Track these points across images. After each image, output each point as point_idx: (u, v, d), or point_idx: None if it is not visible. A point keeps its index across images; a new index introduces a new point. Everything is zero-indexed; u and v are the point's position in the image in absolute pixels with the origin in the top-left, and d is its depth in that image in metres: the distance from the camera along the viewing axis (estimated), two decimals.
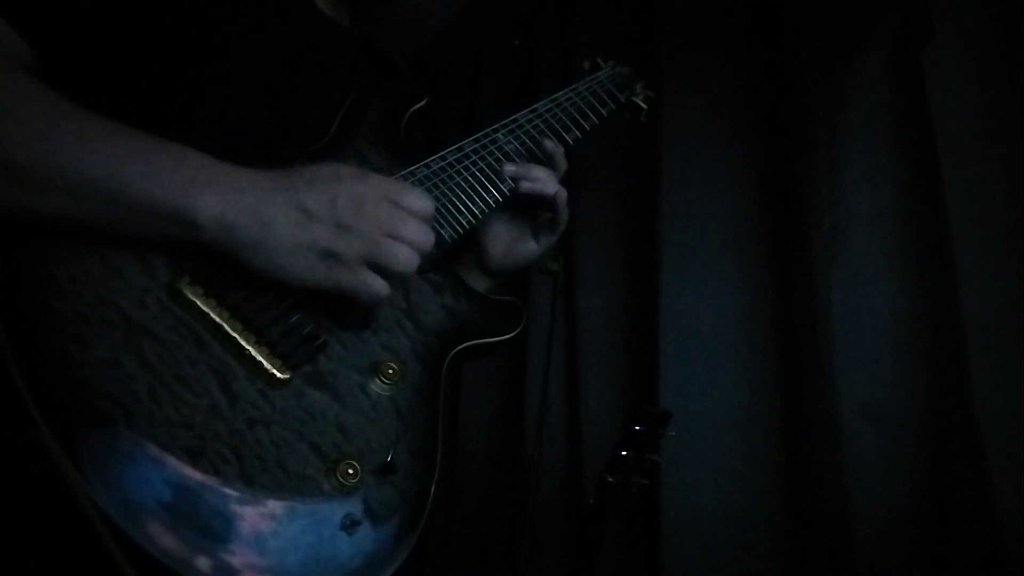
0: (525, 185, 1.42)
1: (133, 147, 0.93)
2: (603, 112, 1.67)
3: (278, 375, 0.94)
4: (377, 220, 1.01)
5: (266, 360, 0.94)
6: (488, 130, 1.46)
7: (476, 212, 1.33)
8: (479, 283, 1.52)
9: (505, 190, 1.40)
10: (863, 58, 2.34)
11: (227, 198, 0.94)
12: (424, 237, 1.05)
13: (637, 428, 1.93)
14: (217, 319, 0.93)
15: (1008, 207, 2.12)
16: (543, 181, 1.44)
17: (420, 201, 1.07)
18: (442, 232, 1.26)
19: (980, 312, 2.07)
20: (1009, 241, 2.10)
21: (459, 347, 1.21)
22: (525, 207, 1.48)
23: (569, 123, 1.58)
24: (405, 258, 1.02)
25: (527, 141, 1.49)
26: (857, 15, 2.37)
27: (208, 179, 0.94)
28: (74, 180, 0.88)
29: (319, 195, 0.99)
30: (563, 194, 1.46)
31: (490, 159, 1.41)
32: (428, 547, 1.05)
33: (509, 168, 1.43)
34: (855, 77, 2.34)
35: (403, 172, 1.26)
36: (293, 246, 0.96)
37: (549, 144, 1.48)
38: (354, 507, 0.93)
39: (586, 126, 1.61)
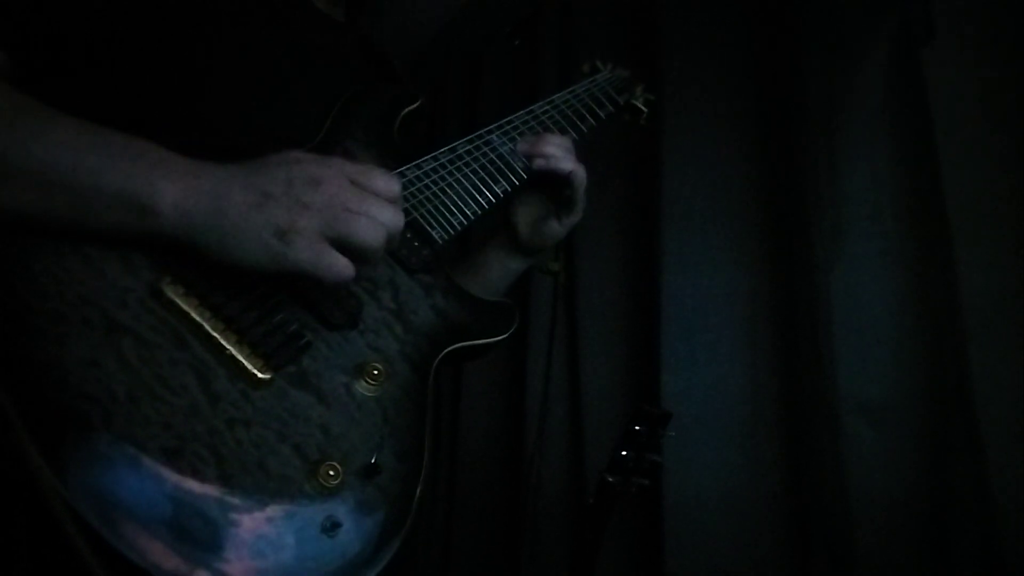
0: (539, 162, 1.42)
1: (94, 140, 0.93)
2: (601, 115, 1.65)
3: (259, 375, 0.94)
4: (337, 197, 0.97)
5: (247, 360, 0.94)
6: (482, 131, 1.45)
7: (468, 213, 1.32)
8: (513, 262, 1.54)
9: (499, 190, 1.39)
10: (863, 58, 2.33)
11: (184, 185, 0.93)
12: (390, 216, 1.00)
13: (637, 428, 1.93)
14: (198, 319, 0.93)
15: (1008, 206, 2.11)
16: (557, 158, 1.43)
17: (384, 182, 1.03)
18: (433, 233, 1.25)
19: (980, 312, 2.07)
20: (1009, 241, 2.09)
21: (448, 349, 1.19)
22: (550, 184, 1.47)
23: (566, 125, 1.56)
24: (367, 231, 0.97)
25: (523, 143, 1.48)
26: (857, 15, 2.36)
27: (167, 169, 0.93)
28: (36, 171, 0.88)
29: (275, 176, 0.96)
30: (580, 172, 1.45)
31: (484, 160, 1.39)
32: (416, 549, 1.03)
33: (522, 145, 1.43)
34: (855, 77, 2.34)
35: (393, 173, 1.25)
36: (247, 227, 0.93)
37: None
38: (335, 509, 0.92)
39: (583, 128, 1.59)
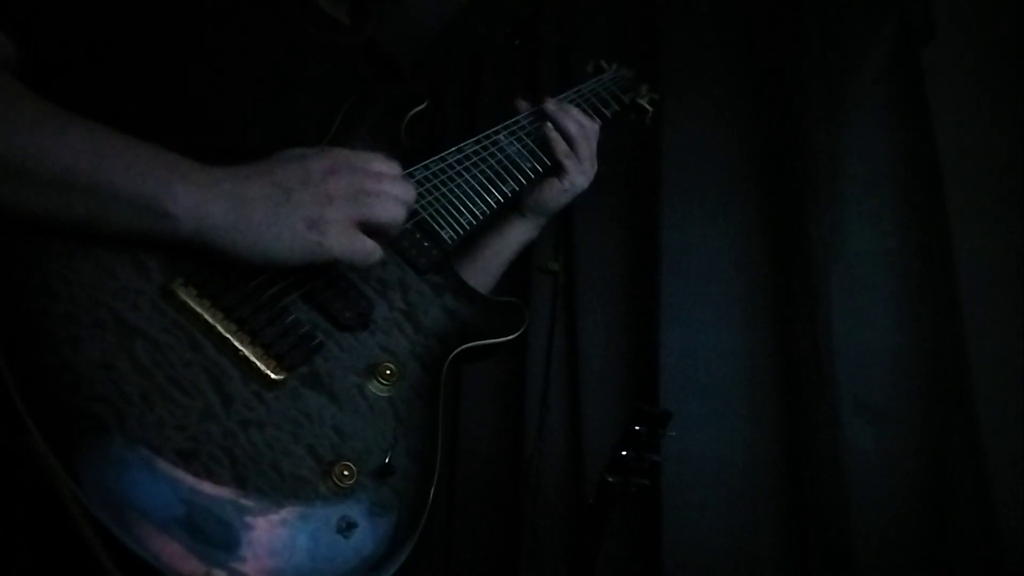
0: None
1: (111, 143, 0.93)
2: (607, 114, 1.66)
3: (272, 376, 0.93)
4: (353, 183, 1.01)
5: (260, 361, 0.93)
6: (490, 131, 1.46)
7: (477, 213, 1.33)
8: (515, 227, 1.57)
9: (507, 190, 1.40)
10: (863, 58, 2.33)
11: (202, 186, 0.94)
12: (402, 190, 1.06)
13: (637, 428, 1.93)
14: (211, 320, 0.93)
15: (1008, 206, 2.12)
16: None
17: (383, 163, 1.07)
18: (442, 233, 1.26)
19: (980, 312, 2.07)
20: (1009, 241, 2.09)
21: (459, 348, 1.20)
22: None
23: None
24: (388, 208, 1.03)
25: (530, 143, 1.49)
26: (857, 15, 2.36)
27: (183, 172, 0.94)
28: (54, 173, 0.88)
29: (292, 172, 0.99)
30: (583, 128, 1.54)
31: (491, 160, 1.41)
32: (429, 548, 1.03)
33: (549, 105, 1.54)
34: (855, 77, 2.34)
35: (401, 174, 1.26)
36: (277, 222, 0.95)
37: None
38: (350, 509, 0.91)
39: None
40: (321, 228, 0.97)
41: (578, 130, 1.54)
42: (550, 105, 1.55)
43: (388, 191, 1.04)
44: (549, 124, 1.52)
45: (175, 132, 0.99)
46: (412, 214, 1.17)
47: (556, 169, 1.53)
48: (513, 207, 1.56)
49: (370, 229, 1.02)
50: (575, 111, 1.56)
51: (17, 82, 0.96)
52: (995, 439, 1.99)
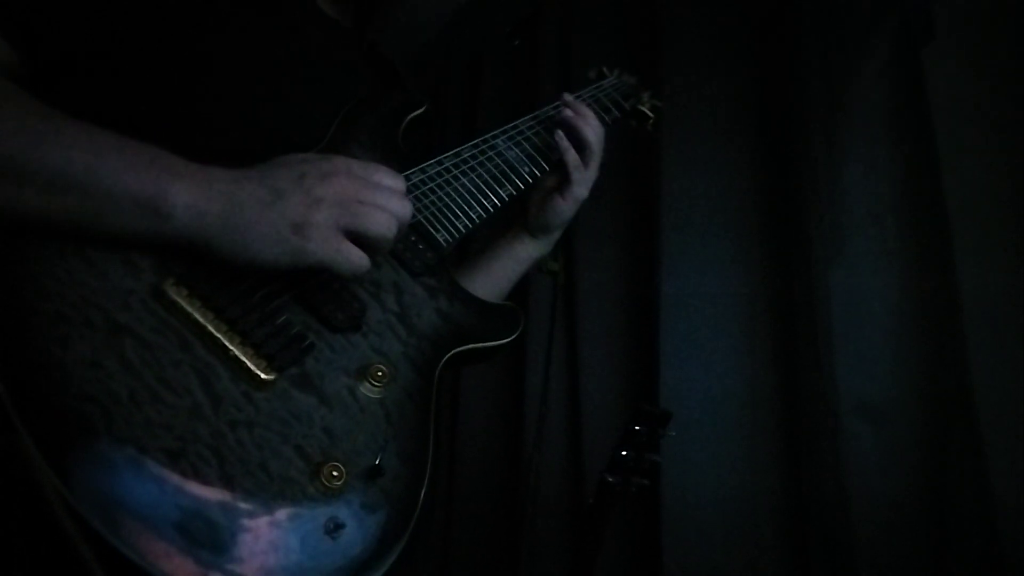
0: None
1: (107, 144, 0.93)
2: (607, 120, 1.65)
3: (262, 376, 0.93)
4: (348, 190, 1.00)
5: (250, 361, 0.93)
6: (487, 136, 1.45)
7: (473, 217, 1.32)
8: (522, 247, 1.56)
9: (504, 194, 1.39)
10: (863, 58, 2.33)
11: (198, 187, 0.93)
12: (398, 206, 1.04)
13: (637, 428, 1.93)
14: (201, 320, 0.92)
15: (1008, 207, 2.11)
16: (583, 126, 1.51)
17: (388, 176, 1.06)
18: (437, 236, 1.25)
19: (980, 311, 2.07)
20: (1009, 240, 2.09)
21: (453, 351, 1.19)
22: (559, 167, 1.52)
23: None
24: (381, 222, 1.01)
25: (529, 148, 1.49)
26: (857, 15, 2.36)
27: (180, 173, 0.94)
28: (50, 173, 0.88)
29: (286, 175, 0.99)
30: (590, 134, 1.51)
31: (489, 165, 1.40)
32: (420, 551, 1.03)
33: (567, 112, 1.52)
34: (855, 77, 2.34)
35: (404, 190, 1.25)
36: (263, 224, 0.95)
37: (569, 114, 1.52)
38: (338, 510, 0.91)
39: None
40: (305, 232, 0.96)
41: (595, 138, 1.52)
42: (568, 111, 1.52)
43: (383, 204, 1.02)
44: (560, 132, 1.50)
45: (175, 134, 0.99)
46: None
47: (560, 182, 1.52)
48: (523, 228, 1.56)
49: (358, 239, 1.00)
50: (592, 117, 1.53)
51: (15, 85, 0.97)
52: (995, 439, 1.98)
